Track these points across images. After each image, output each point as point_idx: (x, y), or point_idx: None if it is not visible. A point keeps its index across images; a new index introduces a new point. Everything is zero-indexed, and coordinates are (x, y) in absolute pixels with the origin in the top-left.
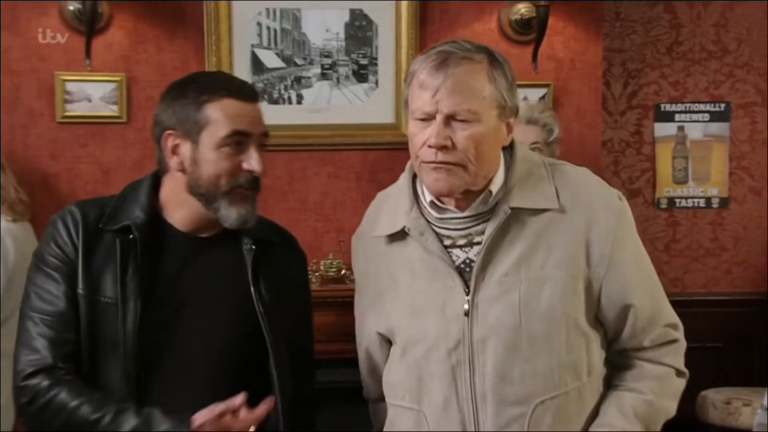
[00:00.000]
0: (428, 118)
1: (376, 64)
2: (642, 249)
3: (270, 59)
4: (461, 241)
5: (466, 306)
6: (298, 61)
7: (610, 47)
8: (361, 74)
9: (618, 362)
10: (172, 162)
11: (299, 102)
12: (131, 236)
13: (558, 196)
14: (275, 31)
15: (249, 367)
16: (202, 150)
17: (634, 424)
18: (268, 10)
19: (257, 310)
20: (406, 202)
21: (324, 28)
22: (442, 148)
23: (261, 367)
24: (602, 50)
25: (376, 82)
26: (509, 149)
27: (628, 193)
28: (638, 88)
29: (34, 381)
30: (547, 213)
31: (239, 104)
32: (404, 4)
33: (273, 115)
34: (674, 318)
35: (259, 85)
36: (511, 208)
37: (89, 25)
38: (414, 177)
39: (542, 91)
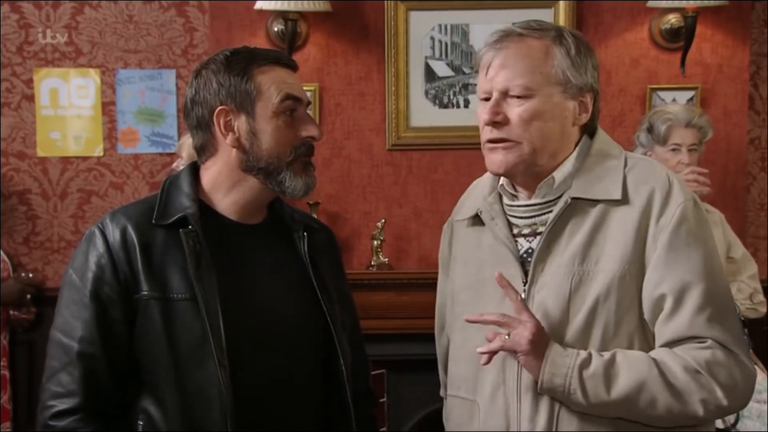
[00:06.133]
0: (488, 98)
1: None
2: (706, 256)
3: (441, 69)
4: (526, 230)
5: (522, 296)
6: (466, 70)
7: (759, 52)
8: None
9: None
10: (228, 139)
11: (466, 106)
12: (190, 227)
13: (624, 188)
14: (446, 44)
15: (320, 353)
16: (259, 121)
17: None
18: (440, 25)
19: (320, 297)
20: (488, 188)
21: None
22: (494, 124)
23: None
24: (750, 55)
25: None
26: (589, 141)
27: None
28: None
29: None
30: (609, 204)
31: (284, 71)
32: (561, 18)
33: (443, 117)
34: (729, 342)
35: (431, 92)
36: (572, 198)
37: (290, 43)
38: None
39: (690, 94)
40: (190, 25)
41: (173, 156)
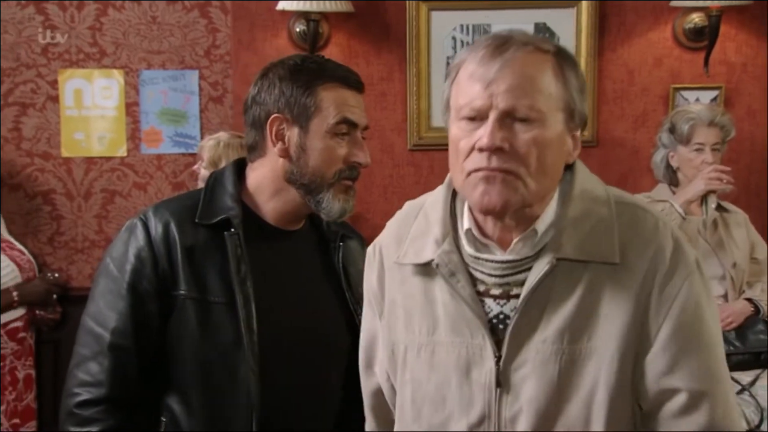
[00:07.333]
0: (478, 117)
1: None
2: (712, 328)
3: None
4: (496, 291)
5: (493, 371)
6: None
7: None
8: None
9: None
10: (276, 147)
11: None
12: (233, 230)
13: (620, 247)
14: (468, 44)
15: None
16: (311, 137)
17: None
18: (462, 25)
19: (351, 308)
20: (439, 228)
21: None
22: (497, 150)
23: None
24: None
25: None
26: (568, 178)
27: None
28: None
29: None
30: (604, 266)
31: (349, 93)
32: (584, 17)
33: None
34: (735, 417)
35: None
36: (558, 260)
37: (312, 43)
38: (454, 194)
39: (713, 93)
40: (212, 26)
41: (196, 156)
